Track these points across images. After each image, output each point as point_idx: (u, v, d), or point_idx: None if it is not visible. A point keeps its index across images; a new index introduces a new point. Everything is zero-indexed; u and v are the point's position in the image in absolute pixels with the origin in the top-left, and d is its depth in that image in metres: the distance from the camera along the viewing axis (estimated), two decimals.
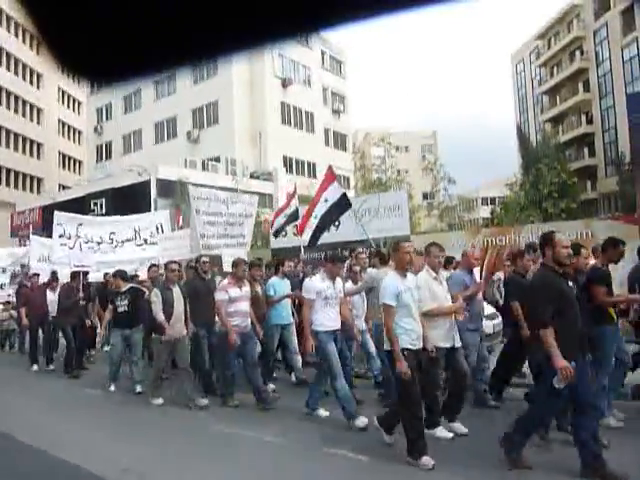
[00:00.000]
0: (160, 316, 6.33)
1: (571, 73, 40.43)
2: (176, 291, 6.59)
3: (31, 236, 12.35)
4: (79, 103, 39.79)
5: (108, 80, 0.63)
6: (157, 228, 10.25)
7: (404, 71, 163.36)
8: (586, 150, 38.55)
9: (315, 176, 31.28)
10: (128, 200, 21.93)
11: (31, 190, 34.60)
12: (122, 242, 9.98)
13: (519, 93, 49.81)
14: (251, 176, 27.20)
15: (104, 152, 35.69)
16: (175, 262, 7.03)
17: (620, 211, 27.10)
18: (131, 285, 7.65)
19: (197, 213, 8.53)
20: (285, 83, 29.90)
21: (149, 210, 21.35)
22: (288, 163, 29.78)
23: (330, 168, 9.02)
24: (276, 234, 10.91)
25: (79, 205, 22.28)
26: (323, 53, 33.00)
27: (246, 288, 6.30)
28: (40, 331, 9.76)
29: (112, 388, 7.34)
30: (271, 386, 6.72)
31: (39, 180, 35.59)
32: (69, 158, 39.38)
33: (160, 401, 6.42)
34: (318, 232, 8.74)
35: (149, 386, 6.73)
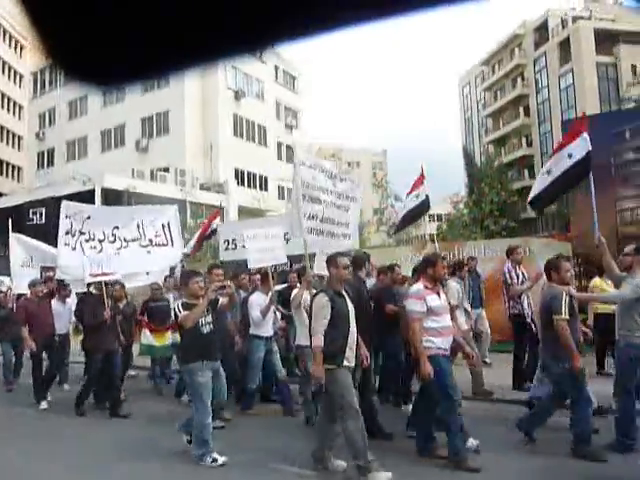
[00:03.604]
0: (319, 339, 4.09)
1: (513, 98, 42.65)
2: (348, 300, 4.42)
3: (11, 234, 9.86)
4: (20, 107, 38.05)
5: (106, 83, 0.62)
6: (163, 226, 8.29)
7: (357, 90, 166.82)
8: (526, 172, 40.59)
9: (267, 189, 31.27)
10: None
11: None
12: (127, 242, 7.78)
13: (465, 115, 51.95)
14: (201, 187, 26.84)
15: (46, 159, 34.21)
16: (345, 255, 4.95)
17: (557, 230, 28.63)
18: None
19: (303, 185, 6.47)
20: (238, 95, 29.84)
21: None
22: (239, 176, 29.61)
23: (583, 115, 7.24)
24: (398, 229, 9.62)
25: (16, 214, 21.17)
26: (277, 68, 33.24)
27: (443, 295, 4.69)
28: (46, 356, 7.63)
29: (220, 460, 4.54)
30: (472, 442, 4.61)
31: None
32: (7, 164, 37.44)
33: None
34: (548, 192, 6.65)
35: (354, 450, 4.05)
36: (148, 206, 10.23)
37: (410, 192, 9.21)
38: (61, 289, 8.00)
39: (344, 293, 4.39)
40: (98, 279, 6.84)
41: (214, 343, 4.90)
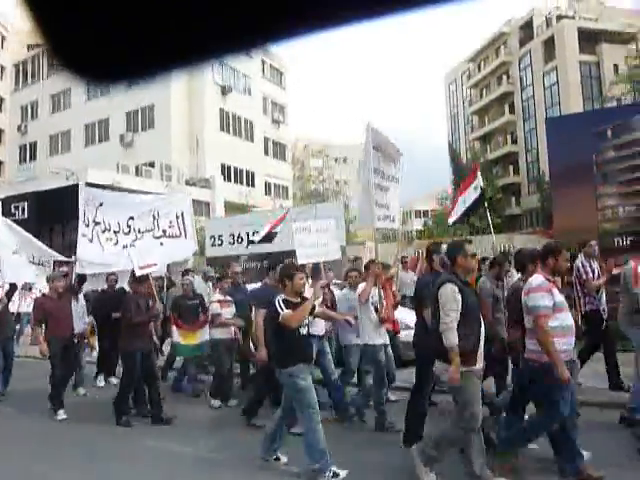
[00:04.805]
0: (454, 335, 3.60)
1: (498, 95, 43.01)
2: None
3: (0, 218, 8.64)
4: (1, 99, 37.35)
5: (107, 81, 0.64)
6: (177, 217, 7.81)
7: (345, 85, 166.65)
8: (511, 168, 41.00)
9: (253, 185, 31.15)
10: (53, 205, 20.83)
11: None
12: (141, 233, 7.32)
13: (451, 112, 52.26)
14: (187, 183, 26.66)
15: (28, 153, 33.67)
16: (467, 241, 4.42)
17: (541, 226, 29.01)
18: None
19: (375, 173, 5.92)
20: (225, 90, 29.64)
21: (76, 217, 20.33)
22: (226, 171, 29.47)
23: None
24: (456, 222, 9.80)
25: None
26: (264, 63, 33.07)
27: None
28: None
29: (342, 474, 4.00)
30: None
31: None
32: None
33: None
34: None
35: (435, 449, 3.78)
36: (163, 196, 9.84)
37: (466, 188, 8.98)
38: (79, 285, 7.30)
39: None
40: (146, 271, 6.30)
41: (312, 345, 4.58)
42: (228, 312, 6.66)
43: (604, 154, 9.50)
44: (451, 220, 9.20)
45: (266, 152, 33.01)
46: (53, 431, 5.78)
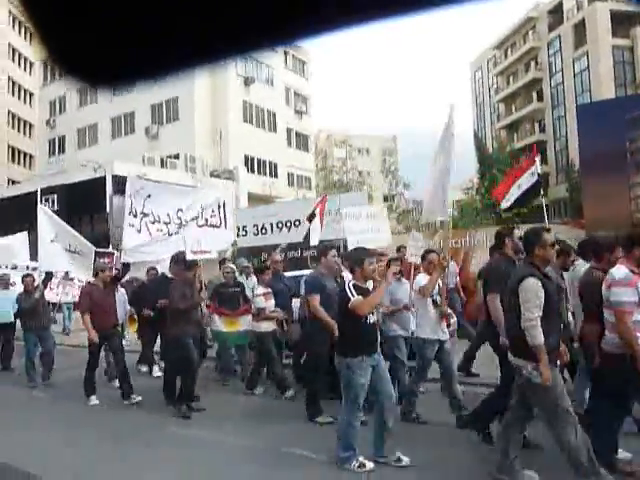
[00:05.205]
0: (540, 332, 3.36)
1: (526, 83, 41.97)
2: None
3: (39, 207, 8.56)
4: (31, 95, 38.20)
5: (109, 83, 0.63)
6: (219, 206, 8.01)
7: (367, 73, 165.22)
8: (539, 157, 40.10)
9: (277, 176, 31.21)
10: (82, 197, 21.28)
11: None
12: (186, 221, 7.57)
13: (477, 100, 51.25)
14: (211, 174, 26.87)
15: (57, 146, 34.38)
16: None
17: (569, 217, 28.31)
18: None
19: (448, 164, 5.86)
20: (247, 82, 29.68)
21: (104, 208, 20.72)
22: (249, 162, 29.58)
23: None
24: (508, 209, 9.71)
25: (29, 201, 21.39)
26: (286, 53, 32.93)
27: None
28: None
29: (368, 466, 4.00)
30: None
31: None
32: (19, 152, 37.72)
33: None
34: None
35: (579, 468, 3.31)
36: (211, 190, 10.25)
37: (522, 173, 8.74)
38: (121, 277, 7.47)
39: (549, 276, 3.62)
40: (198, 256, 6.38)
41: (377, 335, 4.28)
42: (271, 305, 6.63)
43: (638, 142, 9.19)
44: (504, 205, 8.94)
45: (289, 143, 32.99)
46: (83, 416, 5.95)
